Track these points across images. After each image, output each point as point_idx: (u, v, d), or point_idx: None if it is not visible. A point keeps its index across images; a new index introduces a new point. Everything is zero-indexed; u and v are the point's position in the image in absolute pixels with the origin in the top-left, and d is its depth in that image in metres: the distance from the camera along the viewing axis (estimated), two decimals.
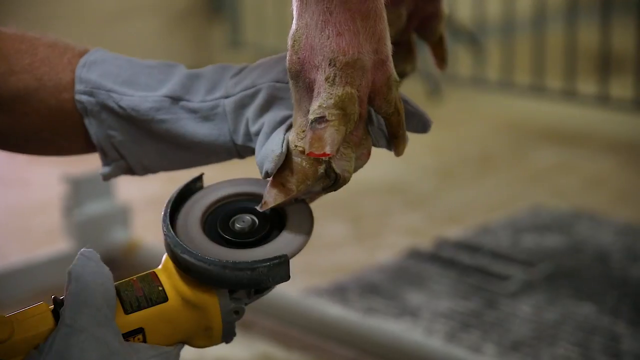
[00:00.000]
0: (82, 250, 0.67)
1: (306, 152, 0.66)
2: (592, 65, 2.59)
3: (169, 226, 0.68)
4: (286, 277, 0.67)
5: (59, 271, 1.59)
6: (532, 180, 2.13)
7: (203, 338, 0.70)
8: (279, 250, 0.67)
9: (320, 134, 0.66)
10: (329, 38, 0.66)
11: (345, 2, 0.66)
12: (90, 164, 2.18)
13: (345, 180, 0.69)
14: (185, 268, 0.66)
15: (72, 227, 1.62)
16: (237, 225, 0.69)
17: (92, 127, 0.75)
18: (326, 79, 0.66)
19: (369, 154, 0.71)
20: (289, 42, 0.67)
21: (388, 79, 0.68)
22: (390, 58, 0.68)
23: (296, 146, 0.68)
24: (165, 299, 0.67)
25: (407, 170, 2.21)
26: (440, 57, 0.92)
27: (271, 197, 0.69)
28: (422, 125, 0.76)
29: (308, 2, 0.66)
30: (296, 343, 1.39)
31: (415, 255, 1.66)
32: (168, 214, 0.69)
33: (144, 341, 0.67)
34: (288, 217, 0.70)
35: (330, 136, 0.66)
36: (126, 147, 0.75)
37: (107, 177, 0.78)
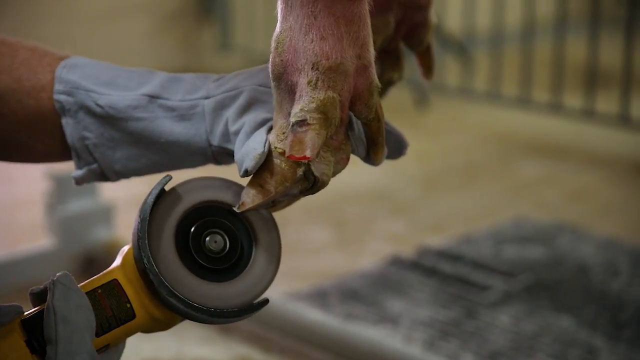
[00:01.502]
0: (57, 277, 0.66)
1: (286, 155, 0.67)
2: (579, 79, 2.60)
3: (150, 258, 0.66)
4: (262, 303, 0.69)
5: (41, 267, 1.59)
6: (515, 192, 2.14)
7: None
8: (256, 283, 0.68)
9: (301, 137, 0.66)
10: (312, 42, 0.66)
11: (330, 6, 0.66)
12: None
13: (323, 184, 0.69)
14: (168, 306, 0.67)
15: (55, 224, 1.62)
16: (210, 246, 0.68)
17: (69, 127, 0.75)
18: (308, 82, 0.66)
19: (348, 158, 0.71)
20: (273, 44, 0.68)
21: (370, 85, 0.68)
22: (373, 64, 0.68)
23: (276, 147, 0.68)
24: (133, 316, 0.67)
25: (392, 178, 2.21)
26: (427, 67, 0.93)
27: (249, 198, 0.69)
28: (398, 146, 0.77)
29: (293, 5, 0.67)
30: (275, 346, 1.39)
31: (397, 262, 1.67)
32: (146, 237, 0.67)
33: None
34: (257, 233, 0.69)
35: (311, 140, 0.66)
36: (100, 150, 0.75)
37: (79, 181, 0.77)
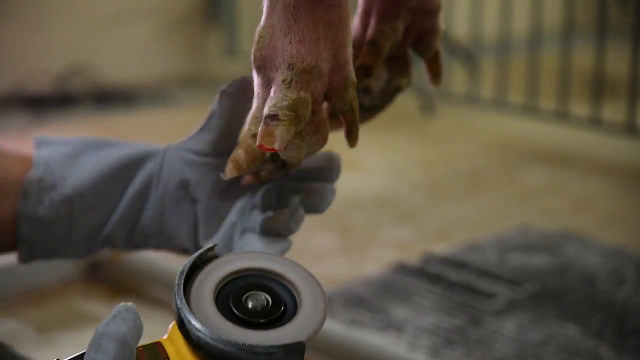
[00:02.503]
0: (122, 309, 0.63)
1: (257, 144, 0.71)
2: (586, 87, 2.60)
3: (183, 299, 0.66)
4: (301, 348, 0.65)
5: (44, 272, 1.59)
6: (521, 200, 2.14)
7: None
8: (294, 334, 0.65)
9: (271, 130, 0.70)
10: (290, 43, 0.71)
11: (311, 11, 0.70)
12: None
13: (292, 165, 0.76)
14: (198, 345, 0.65)
15: None
16: (251, 304, 0.67)
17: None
18: (283, 80, 0.71)
19: (325, 139, 0.76)
20: (255, 37, 0.72)
21: (345, 81, 0.73)
22: (350, 61, 0.73)
23: (250, 129, 0.74)
24: None
25: (398, 185, 2.21)
26: (435, 73, 0.93)
27: (227, 170, 0.77)
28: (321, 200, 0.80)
29: (276, 5, 0.71)
30: None
31: (402, 269, 1.66)
32: (182, 286, 0.67)
33: None
34: (302, 298, 0.68)
35: (280, 134, 0.70)
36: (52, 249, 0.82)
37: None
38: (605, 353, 1.38)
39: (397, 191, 2.17)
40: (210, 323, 0.65)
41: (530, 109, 2.50)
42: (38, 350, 1.37)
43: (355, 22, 0.90)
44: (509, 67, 2.63)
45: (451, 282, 1.60)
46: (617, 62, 2.58)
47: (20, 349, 1.36)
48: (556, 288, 1.60)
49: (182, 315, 0.65)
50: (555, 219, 1.98)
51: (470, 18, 2.82)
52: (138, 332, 0.63)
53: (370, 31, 0.87)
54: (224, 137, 0.79)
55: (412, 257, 1.72)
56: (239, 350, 0.63)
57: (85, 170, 0.81)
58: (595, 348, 1.40)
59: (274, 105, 0.71)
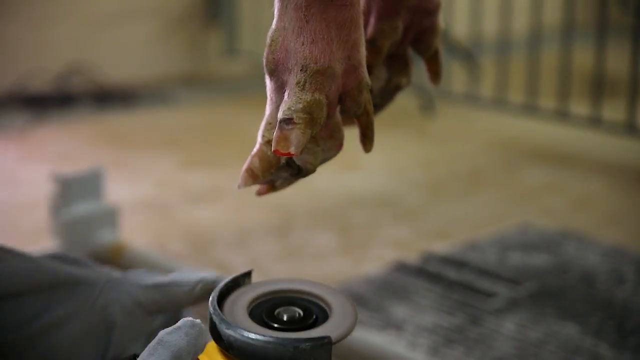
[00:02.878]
0: (188, 323, 0.63)
1: (272, 149, 0.70)
2: (586, 86, 2.60)
3: (217, 306, 0.68)
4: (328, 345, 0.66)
5: None
6: (521, 199, 2.14)
7: None
8: (323, 333, 0.67)
9: (287, 135, 0.69)
10: (303, 44, 0.69)
11: (323, 12, 0.69)
12: (80, 164, 2.19)
13: (308, 171, 0.74)
14: (228, 345, 0.66)
15: (59, 227, 1.62)
16: (283, 315, 0.69)
17: None
18: (297, 83, 0.70)
19: (340, 145, 0.75)
20: (267, 40, 0.71)
21: (359, 83, 0.72)
22: (363, 63, 0.72)
23: (264, 136, 0.73)
24: None
25: (398, 184, 2.21)
26: (435, 72, 0.93)
27: (242, 180, 0.74)
28: None
29: (287, 6, 0.70)
30: None
31: (402, 268, 1.66)
32: (216, 298, 0.69)
33: None
34: (332, 311, 0.70)
35: (296, 138, 0.69)
36: None
37: None
38: (605, 352, 1.39)
39: (397, 190, 2.17)
40: (241, 324, 0.67)
41: (530, 109, 2.50)
42: None
43: None
44: (509, 67, 2.63)
45: (451, 281, 1.60)
46: (617, 61, 2.58)
47: None
48: (556, 287, 1.60)
49: (214, 319, 0.67)
50: (555, 218, 1.98)
51: (470, 17, 2.82)
52: (197, 349, 0.63)
53: (369, 30, 0.88)
54: None
55: (412, 256, 1.72)
56: (265, 343, 0.65)
57: None
58: (594, 347, 1.40)
59: (288, 108, 0.69)
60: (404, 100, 2.76)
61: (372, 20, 0.88)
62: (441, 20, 0.90)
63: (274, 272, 1.66)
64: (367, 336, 1.37)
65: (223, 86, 3.10)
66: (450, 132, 2.72)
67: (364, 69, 0.72)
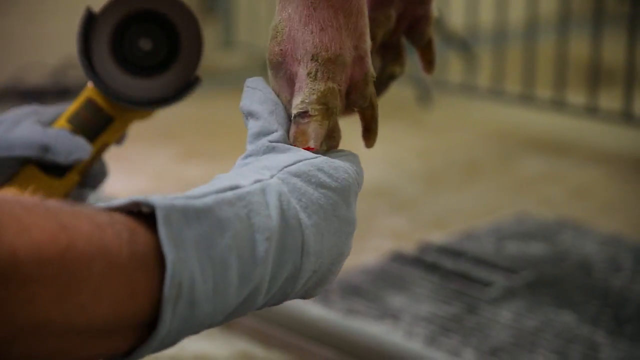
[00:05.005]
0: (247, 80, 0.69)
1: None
2: (582, 76, 2.60)
3: (91, 71, 0.81)
4: (196, 83, 0.83)
5: None
6: (518, 188, 2.14)
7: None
8: (177, 78, 0.82)
9: (304, 129, 0.67)
10: (312, 33, 0.67)
11: None
12: None
13: None
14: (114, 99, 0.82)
15: None
16: (140, 48, 0.82)
17: None
18: (308, 73, 0.67)
19: (337, 146, 0.72)
20: (271, 33, 0.69)
21: (366, 75, 0.70)
22: (369, 54, 0.70)
23: None
24: (110, 118, 0.83)
25: (395, 174, 2.21)
26: (428, 61, 0.93)
27: None
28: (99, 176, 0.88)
29: None
30: (276, 342, 1.39)
31: (399, 258, 1.66)
32: (85, 56, 0.81)
33: None
34: (182, 37, 0.83)
35: (314, 131, 0.67)
36: None
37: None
38: (602, 340, 1.39)
39: (394, 181, 2.17)
40: (105, 73, 0.81)
41: (527, 98, 2.50)
42: None
43: None
44: (506, 57, 2.63)
45: (448, 271, 1.61)
46: (614, 50, 2.58)
47: None
48: (552, 276, 1.60)
49: (88, 75, 0.81)
50: (552, 207, 1.98)
51: (466, 8, 2.82)
52: None
53: None
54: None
55: (409, 246, 1.73)
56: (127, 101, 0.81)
57: None
58: (591, 335, 1.40)
59: (302, 101, 0.67)
60: (400, 91, 2.76)
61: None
62: (434, 9, 0.90)
63: None
64: (364, 326, 1.37)
65: (220, 79, 3.10)
66: (447, 123, 2.72)
67: (370, 60, 0.70)
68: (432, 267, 1.62)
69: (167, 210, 0.52)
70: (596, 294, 1.53)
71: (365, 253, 1.72)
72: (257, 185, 0.58)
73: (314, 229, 0.60)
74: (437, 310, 1.48)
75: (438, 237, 1.79)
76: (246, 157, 0.65)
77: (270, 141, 0.65)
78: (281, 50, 0.68)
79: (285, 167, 0.62)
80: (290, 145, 0.66)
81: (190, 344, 1.39)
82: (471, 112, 2.81)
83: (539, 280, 1.58)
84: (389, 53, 0.91)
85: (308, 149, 0.66)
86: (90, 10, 0.81)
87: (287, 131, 0.67)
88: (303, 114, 0.67)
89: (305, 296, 0.63)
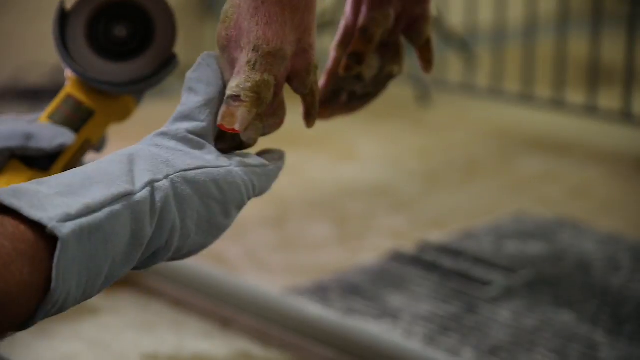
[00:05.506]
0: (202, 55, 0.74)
1: (217, 123, 0.71)
2: (581, 75, 2.60)
3: (62, 48, 0.83)
4: (173, 61, 0.85)
5: None
6: (517, 187, 2.14)
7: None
8: (151, 61, 0.84)
9: (233, 111, 0.71)
10: (257, 25, 0.71)
11: None
12: None
13: (249, 146, 0.76)
14: (85, 79, 0.84)
15: None
16: (116, 34, 0.84)
17: None
18: (247, 62, 0.71)
19: (281, 122, 0.77)
20: (221, 17, 0.73)
21: (308, 65, 0.74)
22: (314, 46, 0.74)
23: None
24: (91, 111, 0.85)
25: (393, 174, 2.21)
26: (427, 60, 0.93)
27: None
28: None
29: None
30: (275, 341, 1.39)
31: (398, 257, 1.66)
32: (62, 46, 0.83)
33: None
34: (156, 24, 0.85)
35: (242, 115, 0.71)
36: None
37: None
38: (601, 339, 1.39)
39: (393, 180, 2.17)
40: (81, 59, 0.83)
41: (526, 97, 2.50)
42: (34, 341, 1.37)
43: (347, 10, 0.90)
44: (505, 56, 2.63)
45: (447, 270, 1.61)
46: (613, 50, 2.58)
47: (17, 340, 1.36)
48: (551, 275, 1.60)
49: (65, 63, 0.83)
50: (551, 206, 1.98)
51: (465, 7, 2.82)
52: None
53: (361, 18, 0.88)
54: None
55: (408, 245, 1.73)
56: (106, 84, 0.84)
57: None
58: (590, 334, 1.40)
59: (237, 86, 0.71)
60: (399, 90, 2.76)
61: (364, 8, 0.88)
62: (432, 8, 0.90)
63: (270, 262, 1.66)
64: (363, 325, 1.37)
65: None
66: (446, 122, 2.72)
67: (314, 52, 0.74)
68: (431, 267, 1.62)
69: (67, 240, 0.58)
70: (595, 293, 1.53)
71: (364, 252, 1.72)
72: (147, 192, 0.64)
73: (183, 231, 0.66)
74: (436, 310, 1.48)
75: (437, 236, 1.79)
76: (160, 134, 0.70)
77: (188, 131, 0.70)
78: (227, 35, 0.72)
79: (184, 170, 0.67)
80: (211, 137, 0.71)
81: (189, 343, 1.39)
82: (470, 112, 2.81)
83: (538, 280, 1.58)
84: (387, 52, 0.91)
85: (233, 130, 0.71)
86: (63, 4, 0.84)
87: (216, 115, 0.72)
88: (235, 97, 0.71)
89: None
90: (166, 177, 0.66)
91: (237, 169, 0.70)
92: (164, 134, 0.70)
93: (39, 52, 2.93)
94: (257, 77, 0.71)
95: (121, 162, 0.66)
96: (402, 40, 0.92)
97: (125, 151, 0.68)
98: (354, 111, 0.94)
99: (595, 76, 2.38)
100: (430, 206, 2.00)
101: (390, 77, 0.93)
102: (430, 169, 2.27)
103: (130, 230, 0.62)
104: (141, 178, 0.65)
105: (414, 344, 1.34)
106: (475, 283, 1.56)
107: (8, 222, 0.57)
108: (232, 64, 0.73)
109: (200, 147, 0.70)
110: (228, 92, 0.71)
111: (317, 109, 0.78)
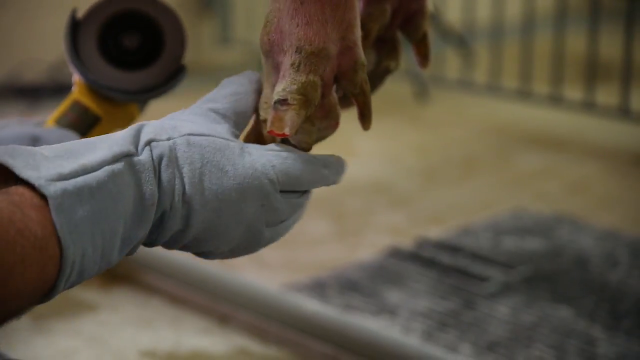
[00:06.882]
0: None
1: (267, 130, 0.70)
2: (579, 71, 2.60)
3: (74, 56, 0.84)
4: (182, 72, 0.86)
5: None
6: (515, 184, 2.14)
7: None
8: (161, 71, 0.86)
9: (281, 115, 0.70)
10: (298, 26, 0.70)
11: None
12: None
13: (304, 150, 0.74)
14: (101, 92, 0.85)
15: None
16: (127, 44, 0.85)
17: None
18: (292, 64, 0.70)
19: (337, 124, 0.75)
20: (264, 22, 0.73)
21: (355, 63, 0.73)
22: (359, 43, 0.73)
23: (260, 115, 0.74)
24: (97, 117, 0.86)
25: (392, 170, 2.21)
26: (423, 55, 0.93)
27: None
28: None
29: None
30: (273, 337, 1.40)
31: (396, 254, 1.67)
32: (74, 54, 0.84)
33: None
34: (166, 35, 0.86)
35: (291, 119, 0.70)
36: None
37: None
38: (599, 334, 1.39)
39: (391, 177, 2.17)
40: (93, 67, 0.84)
41: (524, 94, 2.50)
42: (33, 338, 1.37)
43: None
44: (503, 52, 2.63)
45: (445, 266, 1.61)
46: (611, 46, 2.58)
47: (15, 336, 1.36)
48: (550, 271, 1.61)
49: (77, 71, 0.84)
50: (549, 202, 1.98)
51: (463, 3, 2.82)
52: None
53: None
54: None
55: (406, 241, 1.73)
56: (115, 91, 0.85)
57: None
58: (588, 330, 1.40)
59: (283, 89, 0.70)
60: (397, 87, 2.76)
61: (360, 3, 0.88)
62: (429, 3, 0.90)
63: (268, 259, 1.66)
64: (361, 322, 1.37)
65: (217, 75, 3.10)
66: (444, 118, 2.72)
67: (360, 49, 0.73)
68: (429, 263, 1.62)
69: (59, 198, 0.58)
70: (593, 289, 1.54)
71: (362, 249, 1.72)
72: (147, 150, 0.64)
73: (186, 198, 0.65)
74: (434, 306, 1.48)
75: (435, 232, 1.79)
76: (182, 111, 0.71)
77: (210, 108, 0.71)
78: (269, 39, 0.72)
79: (188, 134, 0.66)
80: (232, 120, 0.71)
81: (187, 340, 1.39)
82: (468, 108, 2.81)
83: (536, 275, 1.58)
84: (384, 47, 0.91)
85: (283, 135, 0.69)
86: (74, 13, 0.87)
87: (238, 114, 0.72)
88: (282, 101, 0.70)
89: (195, 253, 0.69)
90: (168, 138, 0.66)
91: (251, 146, 0.69)
92: (183, 110, 0.71)
93: (36, 50, 2.93)
94: (302, 78, 0.70)
95: (129, 130, 0.66)
96: (399, 35, 0.92)
97: (138, 123, 0.68)
98: (351, 107, 0.94)
99: (593, 72, 2.38)
100: (429, 202, 2.00)
101: (387, 72, 0.92)
102: (428, 165, 2.27)
103: (134, 188, 0.62)
104: (143, 139, 0.65)
105: (412, 340, 1.34)
106: (473, 279, 1.56)
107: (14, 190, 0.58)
108: (276, 68, 0.72)
109: (216, 122, 0.70)
110: (275, 97, 0.70)
111: (371, 108, 0.76)
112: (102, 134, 0.84)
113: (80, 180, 0.59)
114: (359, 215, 1.90)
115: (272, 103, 0.71)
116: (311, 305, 1.40)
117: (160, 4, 0.87)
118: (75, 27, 0.85)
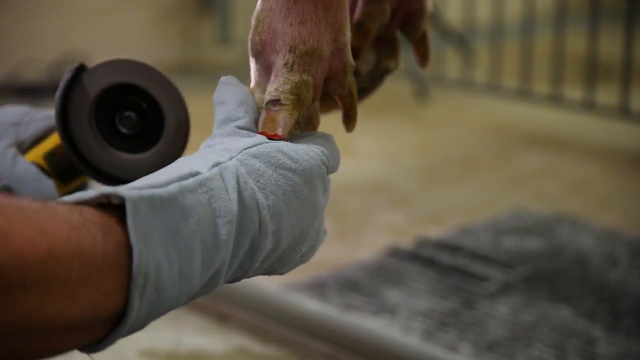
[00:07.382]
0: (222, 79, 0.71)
1: (259, 131, 0.69)
2: (579, 71, 2.60)
3: (65, 135, 0.75)
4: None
5: None
6: (515, 183, 2.14)
7: None
8: (164, 156, 0.77)
9: (274, 116, 0.69)
10: (291, 25, 0.69)
11: None
12: None
13: None
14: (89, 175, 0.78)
15: None
16: (123, 124, 0.76)
17: None
18: (285, 64, 0.70)
19: (315, 130, 0.75)
20: (253, 22, 0.71)
21: (344, 65, 0.72)
22: (348, 45, 0.72)
23: None
24: None
25: (392, 170, 2.21)
26: (423, 55, 0.93)
27: None
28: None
29: None
30: (273, 336, 1.39)
31: (396, 253, 1.66)
32: (64, 124, 0.75)
33: None
34: (166, 112, 0.77)
35: (283, 119, 0.69)
36: None
37: None
38: (598, 334, 1.39)
39: (391, 176, 2.17)
40: (86, 148, 0.76)
41: (524, 93, 2.50)
42: None
43: None
44: (503, 52, 2.62)
45: (445, 266, 1.61)
46: (611, 45, 2.58)
47: None
48: (549, 270, 1.60)
49: (66, 143, 0.76)
50: (549, 202, 1.98)
51: (463, 3, 2.81)
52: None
53: (357, 13, 0.88)
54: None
55: (406, 241, 1.73)
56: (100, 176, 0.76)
57: None
58: (588, 329, 1.40)
59: (276, 89, 0.69)
60: (397, 87, 2.76)
61: (359, 3, 0.88)
62: (429, 3, 0.90)
63: None
64: (361, 321, 1.37)
65: (216, 75, 3.08)
66: (444, 118, 2.72)
67: (349, 51, 0.72)
68: (429, 262, 1.62)
69: (136, 202, 0.54)
70: (593, 289, 1.54)
71: (362, 248, 1.72)
72: (216, 169, 0.61)
73: (273, 209, 0.62)
74: (434, 305, 1.48)
75: (435, 232, 1.79)
76: (211, 139, 0.68)
77: (237, 126, 0.68)
78: (261, 40, 0.71)
79: (245, 149, 0.64)
80: (257, 132, 0.68)
81: (187, 340, 1.39)
82: (468, 108, 2.81)
83: (535, 275, 1.58)
84: (383, 47, 0.91)
85: (275, 136, 0.68)
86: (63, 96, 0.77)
87: (256, 122, 0.70)
88: (275, 102, 0.69)
89: (269, 273, 0.66)
90: (230, 158, 0.63)
91: (303, 137, 0.69)
92: (212, 137, 0.68)
93: (37, 49, 2.93)
94: (295, 78, 0.69)
95: (179, 162, 0.63)
96: (399, 35, 0.92)
97: (179, 159, 0.64)
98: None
99: (593, 72, 2.37)
100: (428, 202, 2.00)
101: (386, 72, 0.92)
102: (428, 164, 2.27)
103: (209, 205, 0.58)
104: (204, 164, 0.61)
105: (412, 340, 1.34)
106: (473, 279, 1.56)
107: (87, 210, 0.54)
108: (268, 69, 0.71)
109: (249, 136, 0.67)
110: (267, 97, 0.69)
111: (357, 110, 0.76)
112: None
113: (149, 191, 0.56)
114: (358, 215, 1.90)
115: (264, 104, 0.70)
116: (311, 305, 1.40)
117: (159, 78, 0.77)
118: (67, 103, 0.77)
